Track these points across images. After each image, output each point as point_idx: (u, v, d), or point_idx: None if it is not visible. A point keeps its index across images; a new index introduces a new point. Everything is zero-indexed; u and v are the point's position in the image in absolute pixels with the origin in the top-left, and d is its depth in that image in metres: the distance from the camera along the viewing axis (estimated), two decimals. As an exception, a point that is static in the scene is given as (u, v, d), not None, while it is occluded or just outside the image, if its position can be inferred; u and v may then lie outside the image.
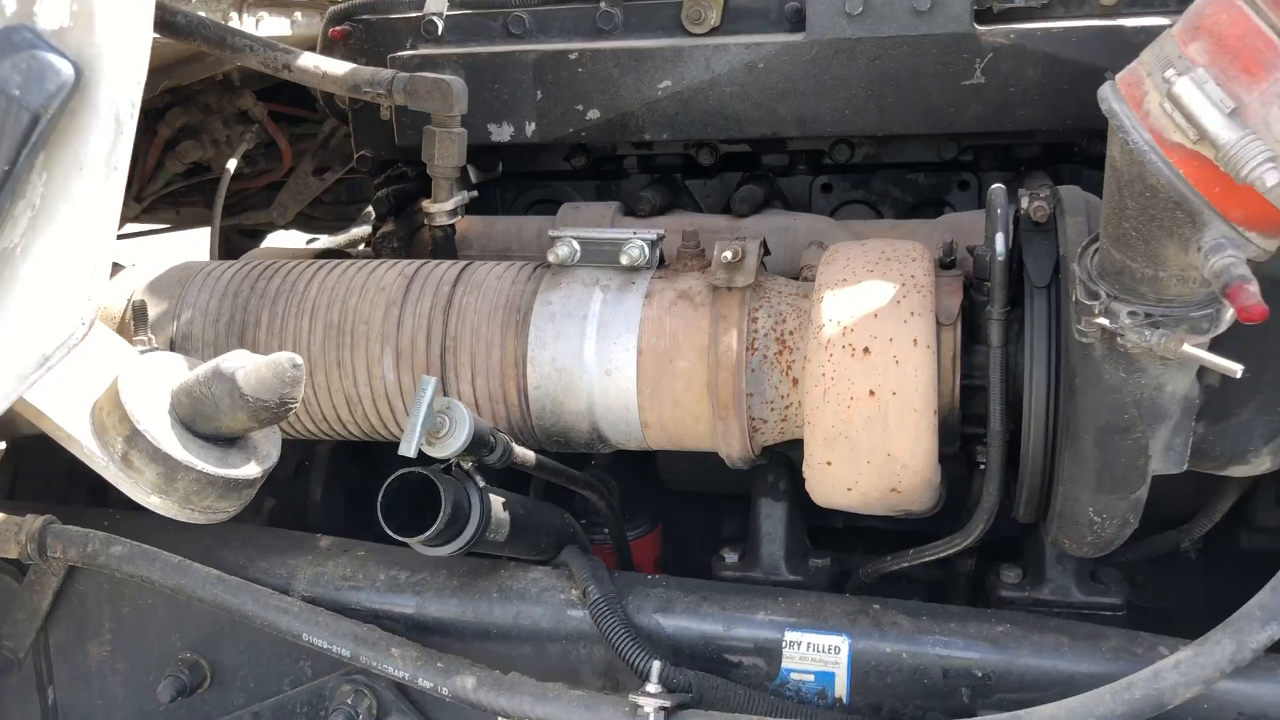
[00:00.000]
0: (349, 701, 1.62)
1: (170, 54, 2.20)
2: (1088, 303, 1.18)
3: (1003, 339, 1.38)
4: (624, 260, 1.54)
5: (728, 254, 1.48)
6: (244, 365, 1.08)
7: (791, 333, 1.48)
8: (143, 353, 1.16)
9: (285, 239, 3.35)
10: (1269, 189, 0.96)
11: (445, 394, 1.56)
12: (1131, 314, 1.15)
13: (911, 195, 1.94)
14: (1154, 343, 1.14)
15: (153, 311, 1.65)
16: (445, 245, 1.82)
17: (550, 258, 1.57)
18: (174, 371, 1.14)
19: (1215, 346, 1.29)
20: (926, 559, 1.59)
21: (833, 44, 1.66)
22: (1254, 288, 0.99)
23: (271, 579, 1.65)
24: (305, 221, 3.27)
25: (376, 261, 1.69)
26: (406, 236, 1.96)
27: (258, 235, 3.33)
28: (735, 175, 2.00)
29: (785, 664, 1.51)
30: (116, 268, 1.77)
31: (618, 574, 1.63)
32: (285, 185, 3.06)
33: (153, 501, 1.07)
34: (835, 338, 1.40)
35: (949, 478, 1.57)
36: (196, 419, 1.09)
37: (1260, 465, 1.40)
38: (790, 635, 1.51)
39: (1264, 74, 0.98)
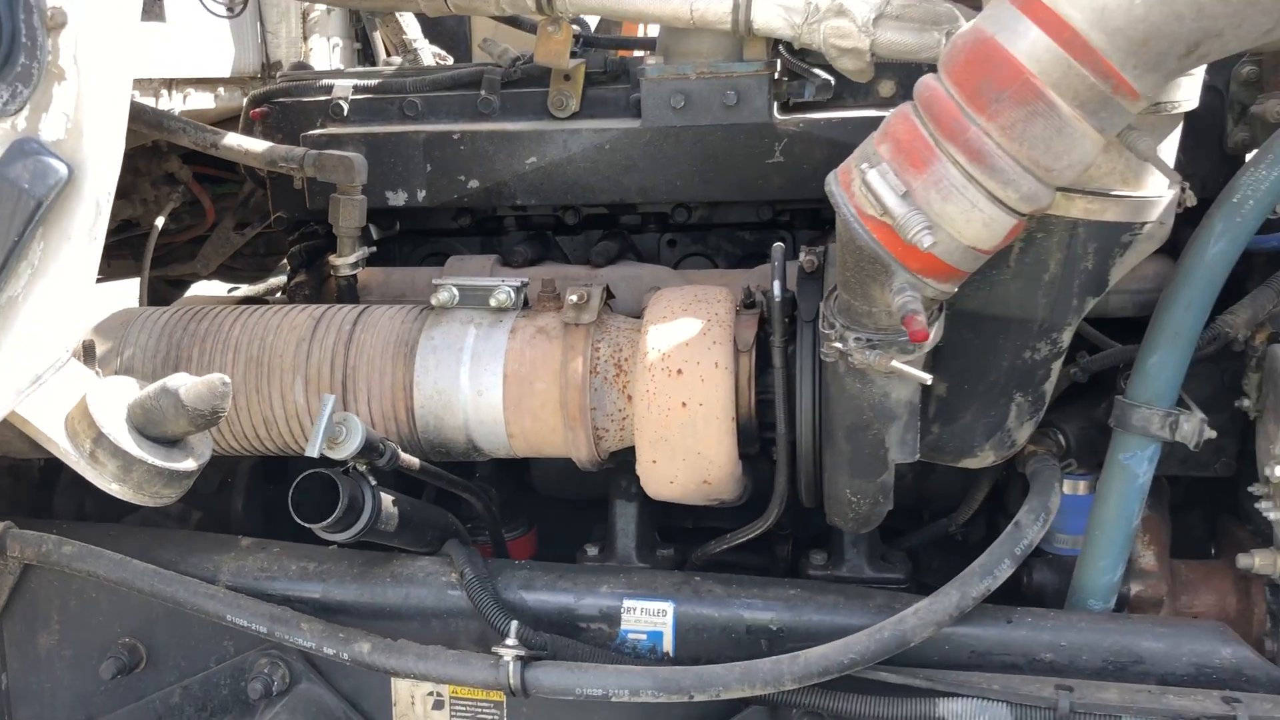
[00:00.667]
0: (265, 671, 1.94)
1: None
2: (828, 332, 1.58)
3: (783, 361, 1.77)
4: (493, 303, 1.91)
5: (574, 297, 1.86)
6: (185, 383, 1.42)
7: (626, 359, 1.86)
8: (103, 377, 1.50)
9: (208, 288, 3.65)
10: (926, 248, 1.37)
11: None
12: (857, 339, 1.55)
13: (740, 250, 2.34)
14: (872, 360, 1.54)
15: (100, 349, 1.97)
16: (348, 293, 2.17)
17: (433, 301, 1.93)
18: (128, 390, 1.47)
19: (940, 364, 1.71)
20: (740, 541, 1.97)
21: (662, 130, 2.06)
22: (921, 318, 1.40)
23: (200, 572, 1.96)
24: (226, 272, 3.56)
25: (290, 306, 2.04)
26: (316, 285, 2.31)
27: (182, 285, 3.61)
28: (597, 232, 2.38)
29: (623, 626, 1.87)
30: (67, 312, 2.09)
31: (490, 560, 1.98)
32: (208, 239, 3.35)
33: (114, 488, 1.39)
34: (656, 362, 1.78)
35: (757, 476, 1.96)
36: (147, 425, 1.42)
37: (985, 459, 1.81)
38: (627, 603, 1.87)
39: (925, 168, 1.39)
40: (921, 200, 1.38)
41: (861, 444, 1.68)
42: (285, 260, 3.42)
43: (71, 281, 1.24)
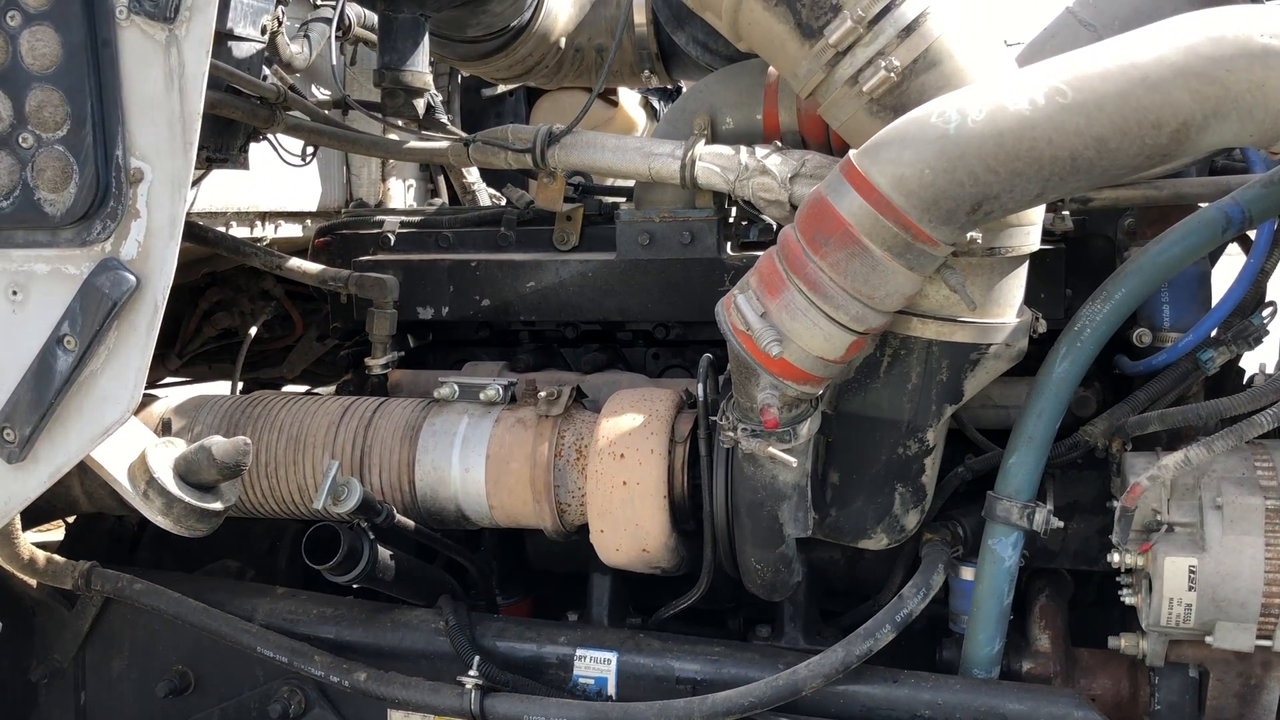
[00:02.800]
0: (285, 697, 2.35)
1: (208, 250, 3.08)
2: (723, 423, 1.96)
3: (708, 450, 2.15)
4: (483, 397, 2.35)
5: (543, 393, 2.28)
6: (218, 443, 1.88)
7: (586, 445, 2.27)
8: (162, 438, 1.97)
9: (292, 389, 4.18)
10: (775, 355, 1.75)
11: (361, 483, 2.34)
12: (744, 429, 1.92)
13: (713, 363, 2.74)
14: (755, 447, 1.91)
15: (175, 426, 2.47)
16: (379, 389, 2.64)
17: (437, 395, 2.38)
18: (178, 449, 1.94)
19: (832, 457, 2.06)
20: (680, 608, 2.31)
21: (633, 261, 2.49)
22: (773, 411, 1.78)
23: (240, 612, 2.40)
24: (309, 376, 4.10)
25: (328, 396, 2.51)
26: (360, 383, 2.79)
27: (272, 387, 4.17)
28: (594, 345, 2.81)
29: (575, 671, 2.23)
30: (153, 398, 2.61)
31: (474, 614, 2.37)
32: (295, 348, 3.91)
33: (159, 520, 1.85)
34: (605, 447, 2.18)
35: (697, 552, 2.32)
36: (188, 473, 1.88)
37: (879, 541, 2.14)
38: (579, 651, 2.24)
39: (778, 294, 1.78)
40: (775, 319, 1.77)
41: (759, 519, 2.04)
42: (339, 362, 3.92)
43: (135, 360, 1.71)
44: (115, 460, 1.87)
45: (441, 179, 3.74)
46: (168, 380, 3.85)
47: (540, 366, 2.74)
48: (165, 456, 1.89)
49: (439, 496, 2.33)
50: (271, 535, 2.78)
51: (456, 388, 2.39)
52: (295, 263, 2.60)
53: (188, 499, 1.86)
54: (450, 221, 2.81)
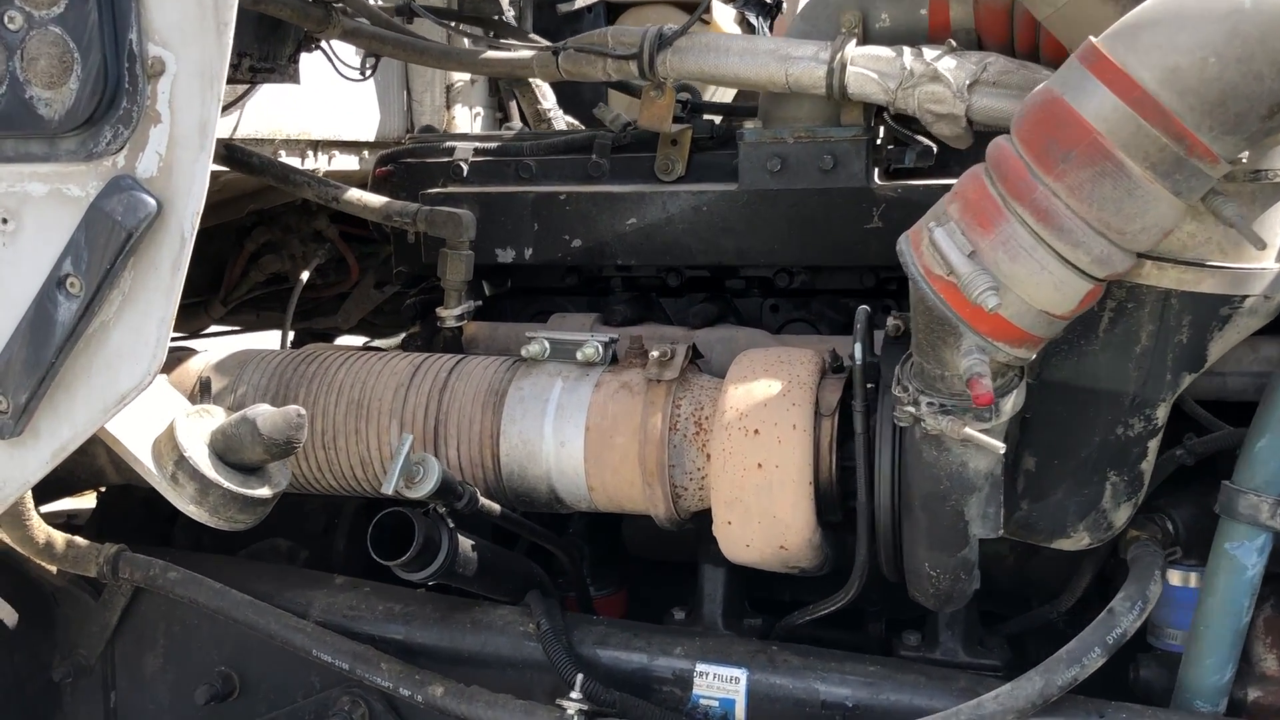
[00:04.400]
0: (346, 709, 1.99)
1: (256, 183, 2.69)
2: (901, 396, 1.54)
3: (864, 427, 1.73)
4: (580, 356, 1.94)
5: (657, 353, 1.87)
6: (264, 413, 1.49)
7: (707, 418, 1.86)
8: (195, 405, 1.59)
9: (347, 341, 3.82)
10: (991, 309, 1.33)
11: (436, 457, 1.96)
12: (929, 404, 1.50)
13: (844, 317, 2.31)
14: (945, 427, 1.49)
15: (216, 386, 2.09)
16: (453, 344, 2.24)
17: (524, 353, 1.97)
18: (215, 419, 1.56)
19: (1029, 437, 1.64)
20: (821, 614, 1.91)
21: (759, 193, 2.07)
22: (986, 382, 1.35)
23: (293, 606, 2.04)
24: (366, 327, 3.74)
25: (393, 353, 2.12)
26: (428, 337, 2.39)
27: (325, 337, 3.80)
28: (700, 295, 2.39)
29: (695, 690, 1.84)
30: (191, 351, 2.23)
31: (570, 614, 1.99)
32: (350, 295, 3.53)
33: (191, 510, 1.47)
34: (734, 421, 1.77)
35: (843, 547, 1.91)
36: (227, 452, 1.50)
37: (1080, 540, 1.72)
38: (700, 667, 1.85)
39: (993, 228, 1.35)
40: (989, 260, 1.35)
41: (939, 516, 1.62)
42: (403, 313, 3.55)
43: (157, 309, 1.32)
44: (136, 433, 1.49)
45: (514, 104, 3.32)
46: (211, 330, 3.49)
47: (637, 320, 2.33)
48: (199, 430, 1.50)
49: (528, 475, 1.94)
50: (328, 511, 2.41)
51: (547, 344, 1.98)
52: (355, 195, 2.20)
53: (226, 484, 1.48)
54: (532, 148, 2.39)
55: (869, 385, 1.73)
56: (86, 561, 2.01)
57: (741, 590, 2.15)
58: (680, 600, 2.26)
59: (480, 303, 2.29)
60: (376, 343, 3.64)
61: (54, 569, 2.05)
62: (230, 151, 2.18)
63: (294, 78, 2.20)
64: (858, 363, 1.72)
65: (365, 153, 3.10)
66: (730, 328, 2.25)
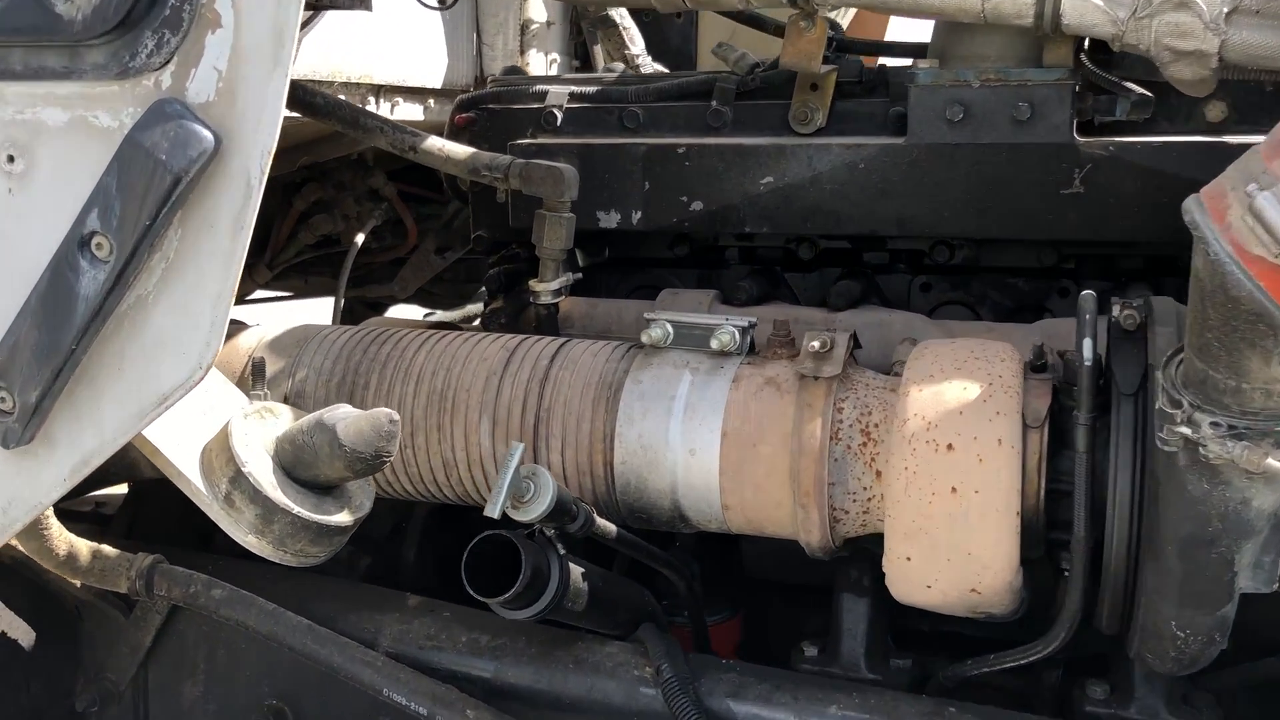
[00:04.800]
0: (422, 760, 1.66)
1: (309, 132, 2.35)
2: (1170, 411, 1.18)
3: (1089, 444, 1.37)
4: (714, 345, 1.59)
5: (815, 344, 1.52)
6: (345, 418, 1.15)
7: (877, 425, 1.50)
8: (254, 403, 1.25)
9: (404, 312, 3.49)
10: (1344, 305, 0.96)
11: (535, 462, 1.62)
12: (1214, 424, 1.14)
13: (1010, 299, 1.95)
14: (1236, 455, 1.13)
15: (270, 369, 1.75)
16: (548, 323, 1.89)
17: (644, 339, 1.62)
18: (281, 421, 1.22)
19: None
20: (1006, 665, 1.56)
21: (933, 148, 1.70)
22: (1329, 404, 0.99)
23: (359, 633, 1.71)
24: (424, 297, 3.40)
25: (481, 334, 1.77)
26: (514, 313, 2.05)
27: (379, 308, 3.47)
28: (834, 271, 2.03)
29: (856, 761, 1.50)
30: (240, 326, 1.89)
31: (693, 656, 1.64)
32: (408, 262, 3.20)
33: (250, 541, 1.14)
34: (919, 432, 1.41)
35: (1034, 584, 1.55)
36: (297, 466, 1.16)
37: (1360, 592, 1.36)
38: (865, 730, 1.50)
39: (1350, 192, 0.98)
40: (1341, 237, 0.98)
41: (1201, 564, 1.26)
42: (484, 286, 3.21)
43: (213, 281, 0.98)
44: (178, 439, 1.15)
45: (597, 49, 2.95)
46: (252, 296, 3.16)
47: (762, 299, 1.97)
48: (261, 436, 1.16)
49: (648, 488, 1.59)
50: (396, 513, 2.07)
51: (670, 328, 1.63)
52: (436, 144, 1.85)
53: (296, 509, 1.13)
54: (639, 93, 2.02)
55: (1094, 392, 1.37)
56: (116, 575, 1.68)
57: (886, 624, 1.81)
58: (795, 627, 1.92)
59: (579, 275, 1.94)
60: (437, 315, 3.30)
61: (78, 582, 1.72)
62: (290, 89, 1.82)
63: (366, 4, 1.84)
64: (1086, 362, 1.35)
65: (431, 101, 2.75)
66: (879, 310, 1.89)
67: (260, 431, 1.17)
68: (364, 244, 2.97)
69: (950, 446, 1.40)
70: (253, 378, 1.66)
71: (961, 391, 1.42)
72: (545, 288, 1.86)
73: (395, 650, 1.69)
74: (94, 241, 0.98)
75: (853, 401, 1.53)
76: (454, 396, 1.66)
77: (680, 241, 2.06)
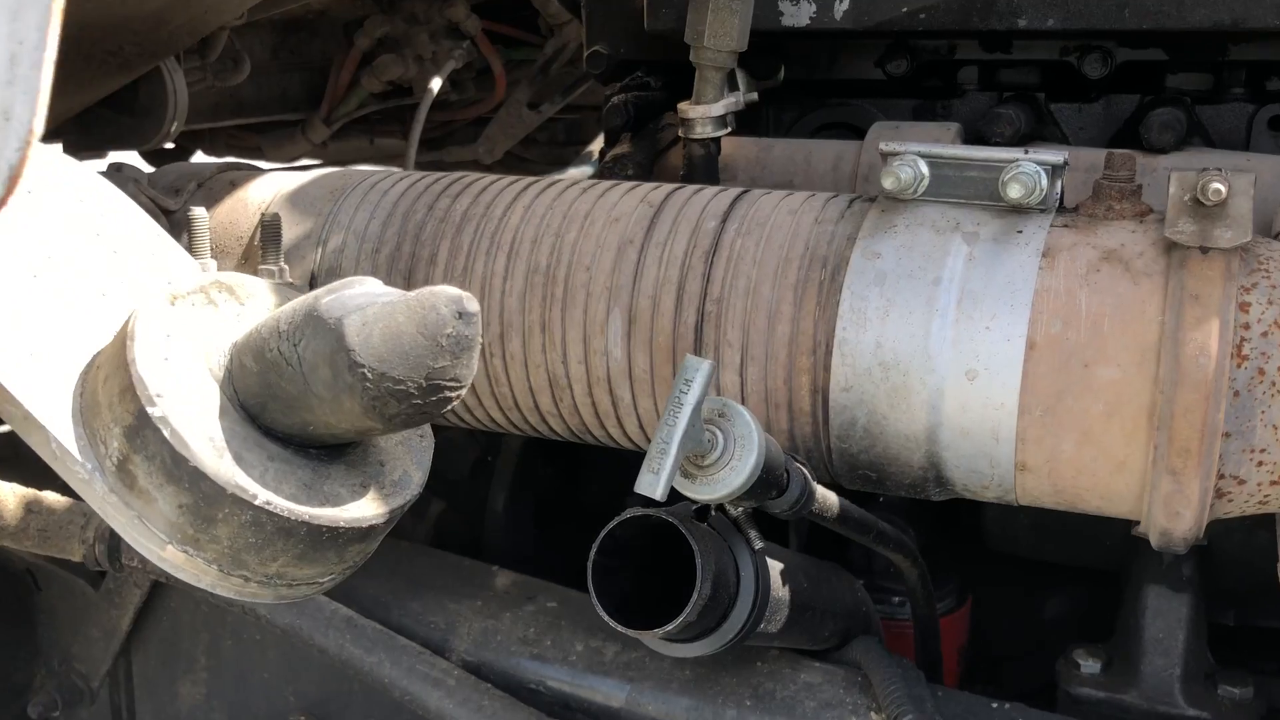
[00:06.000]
0: (516, 830, 1.10)
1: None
2: None
3: None
4: (1011, 194, 0.94)
5: (1206, 189, 0.86)
6: (363, 306, 0.54)
7: (1312, 335, 0.85)
8: (199, 276, 0.65)
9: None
10: None
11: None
12: None
13: None
14: None
15: (291, 233, 1.16)
16: (706, 168, 1.26)
17: (885, 182, 0.98)
18: (247, 312, 0.61)
19: None
20: None
21: None
22: None
23: (425, 629, 1.16)
24: (514, 162, 2.82)
25: (609, 183, 1.14)
26: (647, 162, 1.42)
27: (459, 174, 2.88)
28: (1125, 99, 1.36)
29: None
30: (250, 171, 1.29)
31: (942, 691, 1.04)
32: (495, 118, 2.61)
33: (167, 555, 0.54)
34: None
35: None
36: (269, 404, 0.56)
37: None
38: None
39: None
40: None
41: None
42: (592, 145, 2.61)
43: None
44: (23, 346, 0.55)
45: None
46: (305, 163, 2.58)
47: (1025, 139, 1.31)
48: (201, 344, 0.55)
49: (886, 431, 0.96)
50: (480, 444, 1.48)
51: (924, 167, 0.98)
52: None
53: (263, 492, 0.52)
54: None
55: None
56: (65, 537, 1.13)
57: (1205, 633, 1.20)
58: (1031, 615, 1.33)
59: (755, 95, 1.29)
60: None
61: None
62: None
63: None
64: None
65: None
66: (1222, 153, 1.22)
67: (202, 334, 0.57)
68: (441, 94, 2.37)
69: None
70: (262, 245, 1.07)
71: None
72: (703, 113, 1.22)
73: (476, 659, 1.13)
74: None
75: (1266, 293, 0.87)
76: (568, 278, 1.04)
77: (896, 53, 1.39)
